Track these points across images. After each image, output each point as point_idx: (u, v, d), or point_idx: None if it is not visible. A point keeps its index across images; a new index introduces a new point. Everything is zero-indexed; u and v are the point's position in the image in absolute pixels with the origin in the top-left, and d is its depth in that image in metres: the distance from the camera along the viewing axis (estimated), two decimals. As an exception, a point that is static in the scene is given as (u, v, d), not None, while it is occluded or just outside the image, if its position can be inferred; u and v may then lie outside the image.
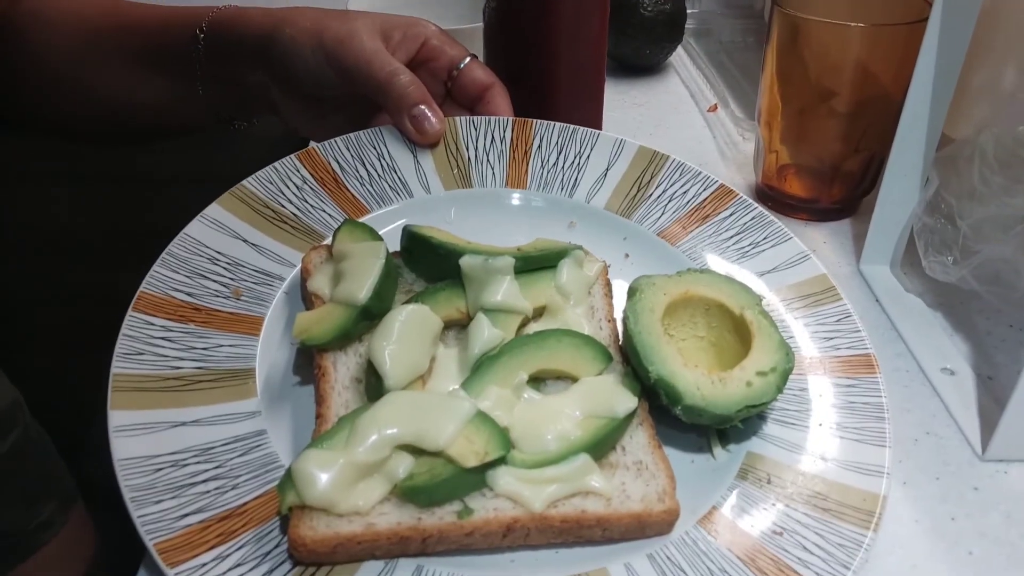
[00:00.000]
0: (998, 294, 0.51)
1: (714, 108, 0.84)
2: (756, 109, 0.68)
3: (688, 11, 0.93)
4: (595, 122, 0.65)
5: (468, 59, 0.59)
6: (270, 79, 0.59)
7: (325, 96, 0.58)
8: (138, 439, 0.39)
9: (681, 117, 0.85)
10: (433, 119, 0.55)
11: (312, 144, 0.55)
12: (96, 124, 0.69)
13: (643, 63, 0.93)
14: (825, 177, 0.66)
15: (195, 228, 0.48)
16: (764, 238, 0.54)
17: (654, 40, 0.90)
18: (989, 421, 0.48)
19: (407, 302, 0.45)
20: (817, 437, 0.43)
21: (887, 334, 0.56)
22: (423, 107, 0.55)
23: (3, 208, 0.90)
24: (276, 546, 0.36)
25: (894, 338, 0.56)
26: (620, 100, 0.88)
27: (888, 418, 0.44)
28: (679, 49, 0.95)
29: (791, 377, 0.45)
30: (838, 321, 0.49)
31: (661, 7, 0.88)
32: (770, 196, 0.69)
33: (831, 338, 0.48)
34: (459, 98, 0.59)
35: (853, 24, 0.58)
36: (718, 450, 0.43)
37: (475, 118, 0.58)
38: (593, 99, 0.65)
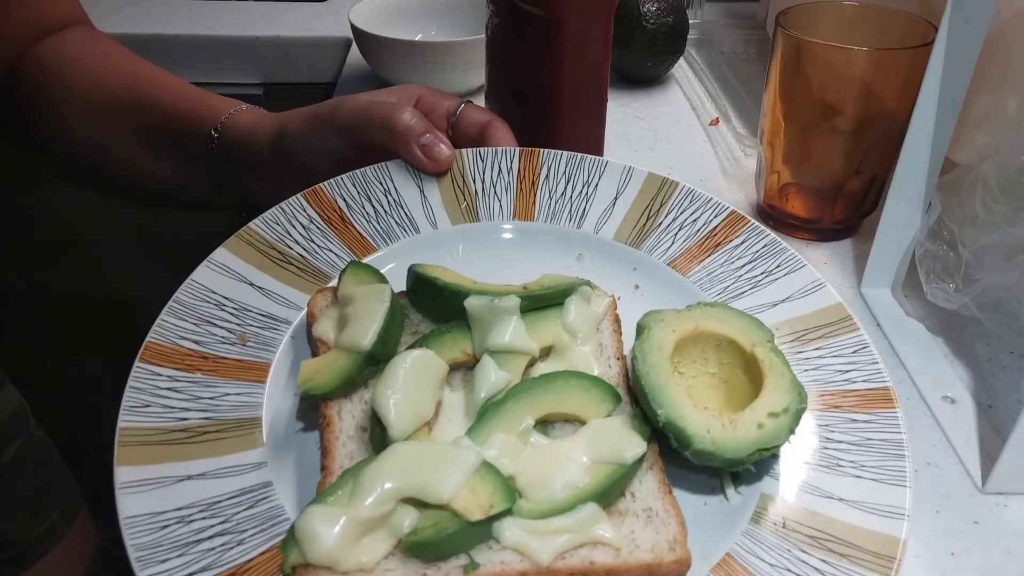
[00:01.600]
0: (999, 321, 0.50)
1: (716, 122, 0.83)
2: (759, 128, 0.67)
3: (690, 21, 0.92)
4: (597, 138, 0.64)
5: (463, 105, 0.59)
6: (283, 171, 0.59)
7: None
8: (144, 495, 0.38)
9: (682, 131, 0.85)
10: (442, 145, 0.55)
11: (319, 183, 0.55)
12: (108, 186, 0.70)
13: (645, 75, 0.93)
14: (827, 197, 0.65)
15: (202, 274, 0.48)
16: (777, 266, 0.53)
17: (656, 53, 0.89)
18: (989, 452, 0.48)
19: (412, 345, 0.44)
20: (833, 478, 0.42)
21: (888, 360, 0.55)
22: (430, 136, 0.55)
23: (4, 212, 0.92)
24: (281, 604, 0.36)
25: (895, 364, 0.55)
26: (622, 113, 0.88)
27: (908, 455, 0.42)
28: (681, 60, 0.94)
29: (806, 413, 0.44)
30: (854, 352, 0.48)
31: (663, 20, 0.87)
32: (771, 215, 0.69)
33: (847, 371, 0.47)
34: (461, 141, 0.60)
35: (857, 48, 0.58)
36: (731, 492, 0.42)
37: (482, 149, 0.58)
38: (596, 116, 0.64)
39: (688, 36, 0.92)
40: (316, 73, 1.15)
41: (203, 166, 0.62)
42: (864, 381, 0.46)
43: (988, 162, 0.48)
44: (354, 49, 1.05)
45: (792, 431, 0.41)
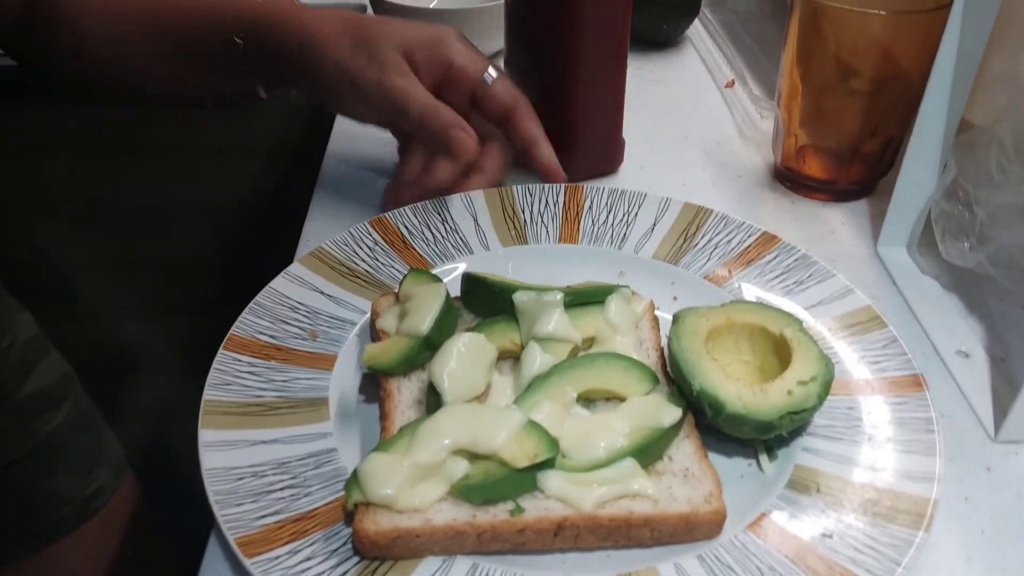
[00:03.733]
0: (1012, 277, 0.52)
1: (731, 84, 0.84)
2: (776, 91, 0.69)
3: None
4: (617, 103, 0.65)
5: (493, 76, 0.61)
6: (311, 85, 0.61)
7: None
8: (223, 453, 0.43)
9: (698, 94, 0.86)
10: (467, 139, 0.58)
11: (383, 212, 0.61)
12: (140, 99, 0.71)
13: (660, 38, 0.93)
14: (844, 158, 0.66)
15: (279, 282, 0.54)
16: (808, 276, 0.56)
17: (671, 14, 0.90)
18: (1002, 403, 0.49)
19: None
20: (866, 450, 0.44)
21: (903, 316, 0.57)
22: (454, 132, 0.58)
23: (30, 180, 0.97)
24: (343, 544, 0.39)
25: (910, 319, 0.56)
26: (637, 77, 0.88)
27: (938, 430, 0.44)
28: (695, 21, 0.95)
29: (839, 397, 0.46)
30: (884, 347, 0.50)
31: None
32: (788, 177, 0.70)
33: (878, 362, 0.49)
34: (486, 116, 0.61)
35: (875, 12, 0.60)
36: (766, 463, 0.44)
37: (530, 185, 0.64)
38: (615, 80, 0.65)
39: (702, -3, 0.92)
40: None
41: (235, 73, 0.62)
42: (895, 370, 0.49)
43: (1003, 124, 0.51)
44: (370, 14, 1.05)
45: (822, 398, 0.43)
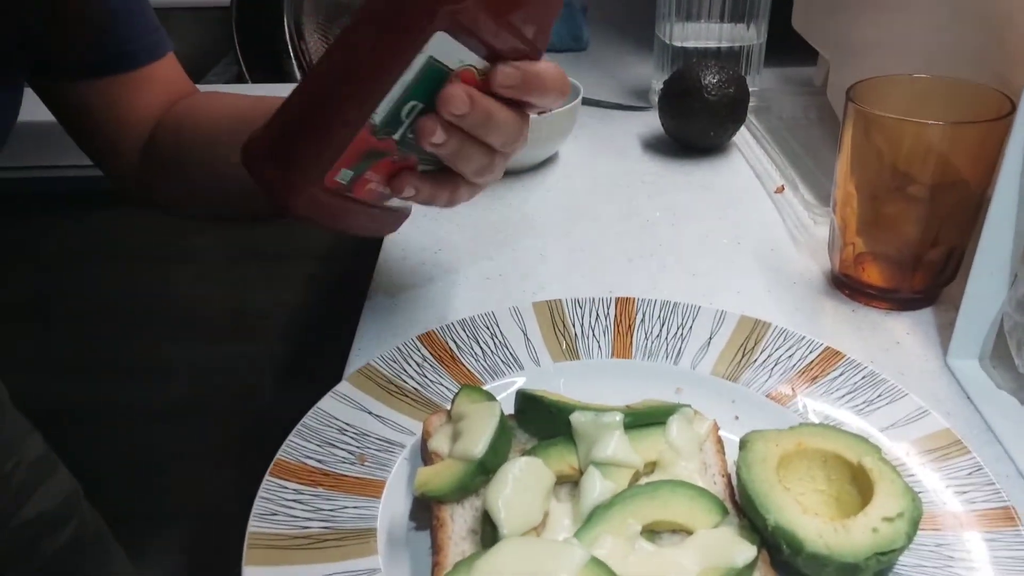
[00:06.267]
0: None
1: (781, 189, 0.83)
2: (831, 200, 0.67)
3: (749, 89, 0.93)
4: None
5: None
6: None
7: None
8: (268, 592, 0.40)
9: (748, 199, 0.85)
10: None
11: (431, 327, 0.60)
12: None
13: (707, 144, 0.94)
14: (905, 267, 0.64)
15: (327, 402, 0.53)
16: (878, 395, 0.53)
17: (718, 123, 0.91)
18: None
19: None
20: (962, 594, 0.40)
21: (982, 435, 0.53)
22: None
23: (76, 283, 0.97)
24: None
25: (990, 440, 0.52)
26: (686, 182, 0.88)
27: (1040, 572, 0.40)
28: (742, 128, 0.95)
29: (926, 532, 0.43)
30: (969, 475, 0.47)
31: (725, 91, 0.90)
32: (847, 284, 0.68)
33: (965, 492, 0.46)
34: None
35: (931, 122, 0.58)
36: (852, 607, 0.40)
37: (580, 298, 0.63)
38: None
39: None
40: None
41: None
42: (984, 502, 0.45)
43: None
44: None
45: (910, 537, 0.40)
